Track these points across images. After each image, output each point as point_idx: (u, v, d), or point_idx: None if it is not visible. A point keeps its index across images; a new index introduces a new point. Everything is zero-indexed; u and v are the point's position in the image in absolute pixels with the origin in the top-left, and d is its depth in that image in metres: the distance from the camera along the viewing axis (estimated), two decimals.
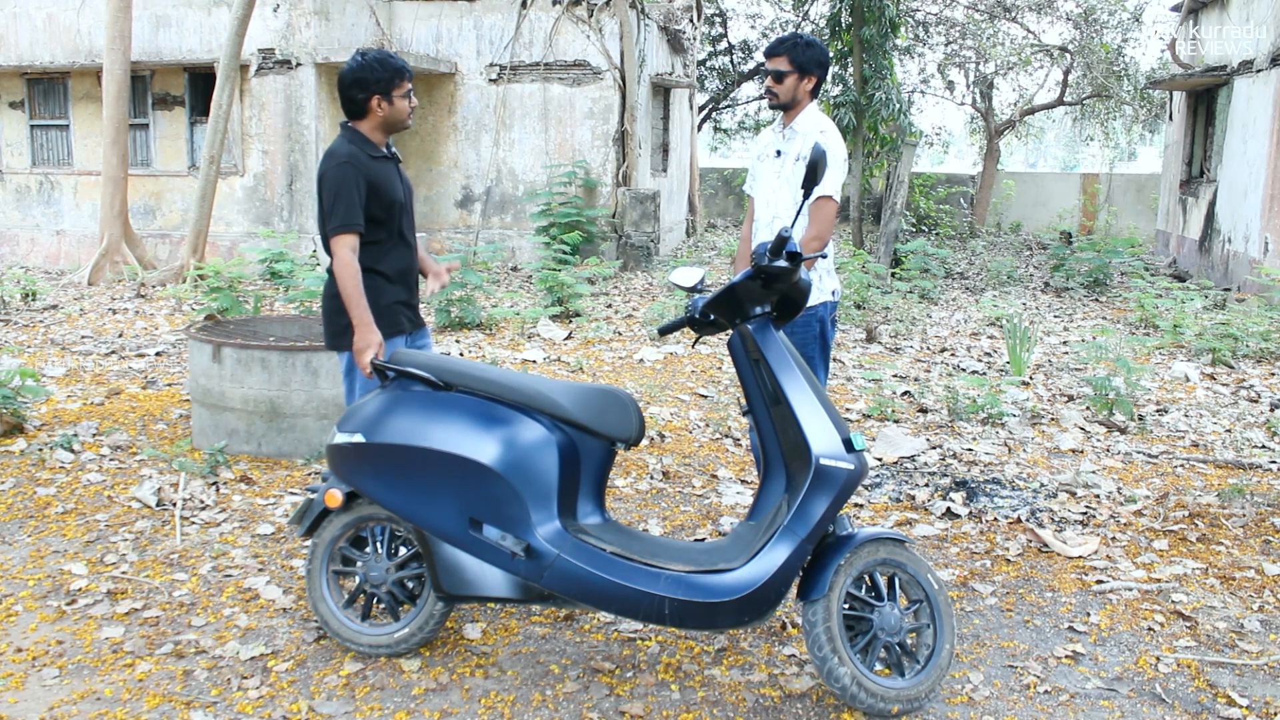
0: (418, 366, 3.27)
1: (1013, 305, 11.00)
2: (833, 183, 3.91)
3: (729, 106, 26.40)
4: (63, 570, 3.94)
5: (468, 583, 3.15)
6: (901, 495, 5.02)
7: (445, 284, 3.98)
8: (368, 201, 3.58)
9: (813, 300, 3.96)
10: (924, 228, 19.83)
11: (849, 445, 2.99)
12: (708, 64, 24.40)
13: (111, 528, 4.39)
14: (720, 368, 7.80)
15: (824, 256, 3.88)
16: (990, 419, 6.35)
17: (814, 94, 4.04)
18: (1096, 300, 12.00)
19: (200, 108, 13.37)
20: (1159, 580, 4.05)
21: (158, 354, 7.97)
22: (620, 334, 9.05)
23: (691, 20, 18.13)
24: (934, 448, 5.82)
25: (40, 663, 3.25)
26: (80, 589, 3.78)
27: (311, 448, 5.31)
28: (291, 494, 4.86)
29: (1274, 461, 5.62)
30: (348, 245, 3.53)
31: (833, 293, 4.07)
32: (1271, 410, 6.77)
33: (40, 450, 5.29)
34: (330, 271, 3.65)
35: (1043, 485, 5.20)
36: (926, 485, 5.17)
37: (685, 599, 2.94)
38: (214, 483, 4.93)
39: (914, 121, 15.58)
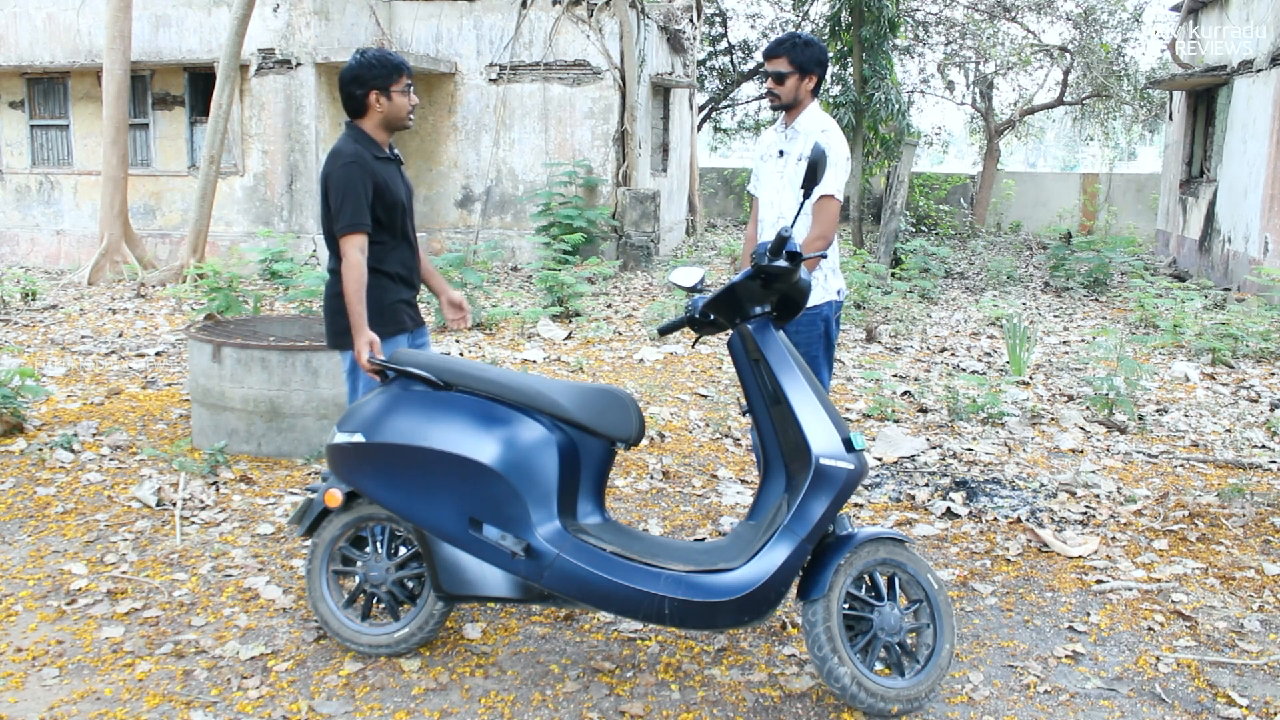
0: (418, 366, 3.27)
1: (1013, 305, 11.00)
2: (835, 182, 3.91)
3: (729, 106, 26.39)
4: (63, 570, 3.94)
5: (468, 583, 3.15)
6: (901, 495, 5.02)
7: (466, 317, 4.01)
8: (372, 202, 3.59)
9: (818, 299, 3.96)
10: (924, 228, 19.83)
11: (849, 445, 2.99)
12: (708, 64, 24.40)
13: (111, 528, 4.39)
14: (720, 368, 7.80)
15: (824, 256, 3.88)
16: (990, 419, 6.35)
17: (815, 93, 4.05)
18: (1096, 300, 12.00)
19: (200, 108, 13.37)
20: (1159, 580, 4.05)
21: (158, 354, 7.97)
22: (620, 334, 9.05)
23: (691, 20, 18.13)
24: (934, 448, 5.82)
25: (40, 663, 3.25)
26: (80, 589, 3.78)
27: (311, 448, 5.31)
28: (291, 494, 4.86)
29: (1274, 461, 5.62)
30: (357, 245, 3.54)
31: (838, 292, 4.07)
32: (1271, 410, 6.77)
33: (40, 450, 5.29)
34: (332, 271, 3.65)
35: (1043, 485, 5.20)
36: (926, 485, 5.17)
37: (685, 599, 2.94)
38: (214, 483, 4.93)
39: (914, 121, 15.58)
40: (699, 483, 5.20)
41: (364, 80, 3.59)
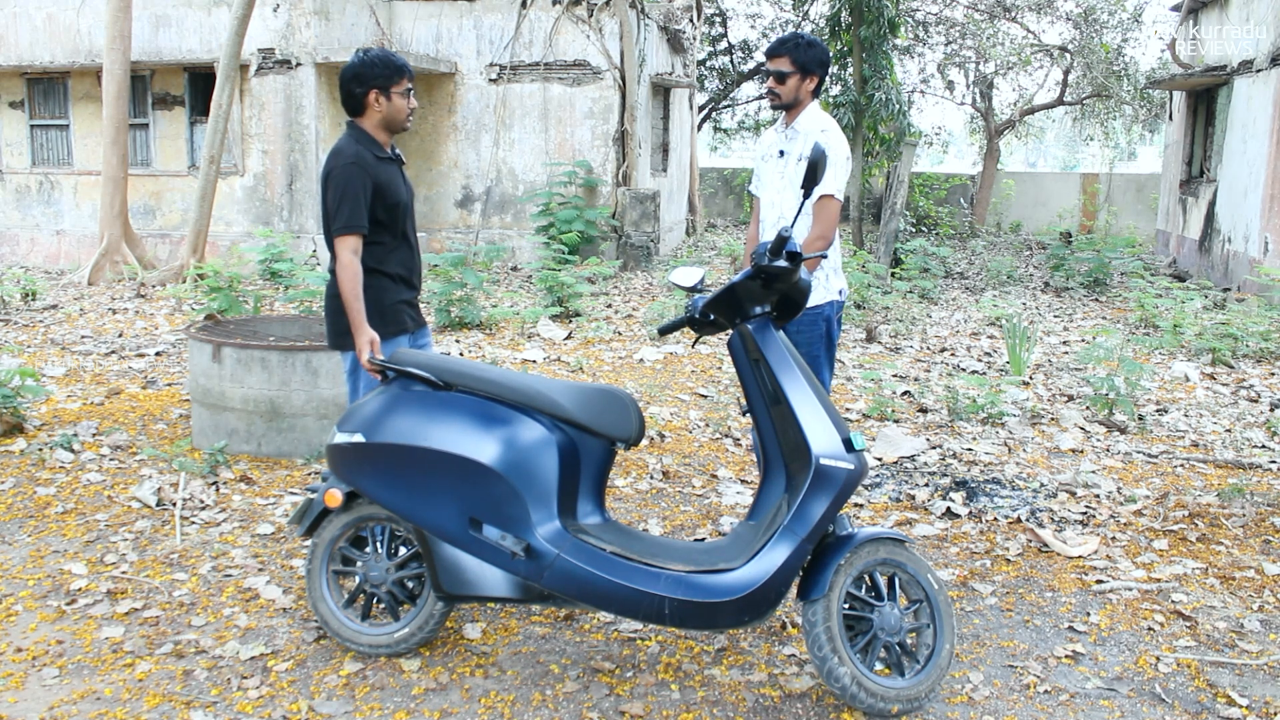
0: (418, 366, 3.27)
1: (1013, 305, 11.00)
2: (835, 181, 3.91)
3: (729, 106, 26.39)
4: (63, 570, 3.94)
5: (468, 583, 3.15)
6: (901, 495, 5.02)
7: None
8: (373, 203, 3.58)
9: (819, 299, 3.96)
10: (924, 228, 19.83)
11: (849, 445, 2.99)
12: (708, 64, 24.40)
13: (111, 528, 4.39)
14: (720, 368, 7.80)
15: (824, 256, 3.88)
16: (990, 419, 6.35)
17: (815, 94, 4.05)
18: (1096, 300, 12.00)
19: (200, 108, 13.37)
20: (1159, 580, 4.05)
21: (158, 354, 7.97)
22: (620, 334, 9.05)
23: (691, 20, 18.13)
24: (934, 448, 5.82)
25: (40, 663, 3.25)
26: (80, 589, 3.78)
27: (311, 448, 5.31)
28: (291, 494, 4.86)
29: (1274, 461, 5.62)
30: (350, 247, 3.54)
31: (839, 292, 4.07)
32: (1271, 410, 6.77)
33: (40, 450, 5.29)
34: (333, 271, 3.65)
35: (1043, 485, 5.20)
36: (926, 485, 5.17)
37: (685, 599, 2.94)
38: (214, 483, 4.93)
39: (914, 121, 15.58)
40: (699, 483, 5.20)
41: (365, 79, 3.59)
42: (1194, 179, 15.52)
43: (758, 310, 3.12)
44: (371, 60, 3.59)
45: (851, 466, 2.96)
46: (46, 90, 13.85)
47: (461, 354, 8.06)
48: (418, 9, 13.85)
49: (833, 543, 3.03)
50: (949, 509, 4.80)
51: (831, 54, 13.37)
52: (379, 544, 3.36)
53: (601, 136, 13.86)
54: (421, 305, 3.98)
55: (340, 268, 3.53)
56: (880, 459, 5.57)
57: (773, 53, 3.99)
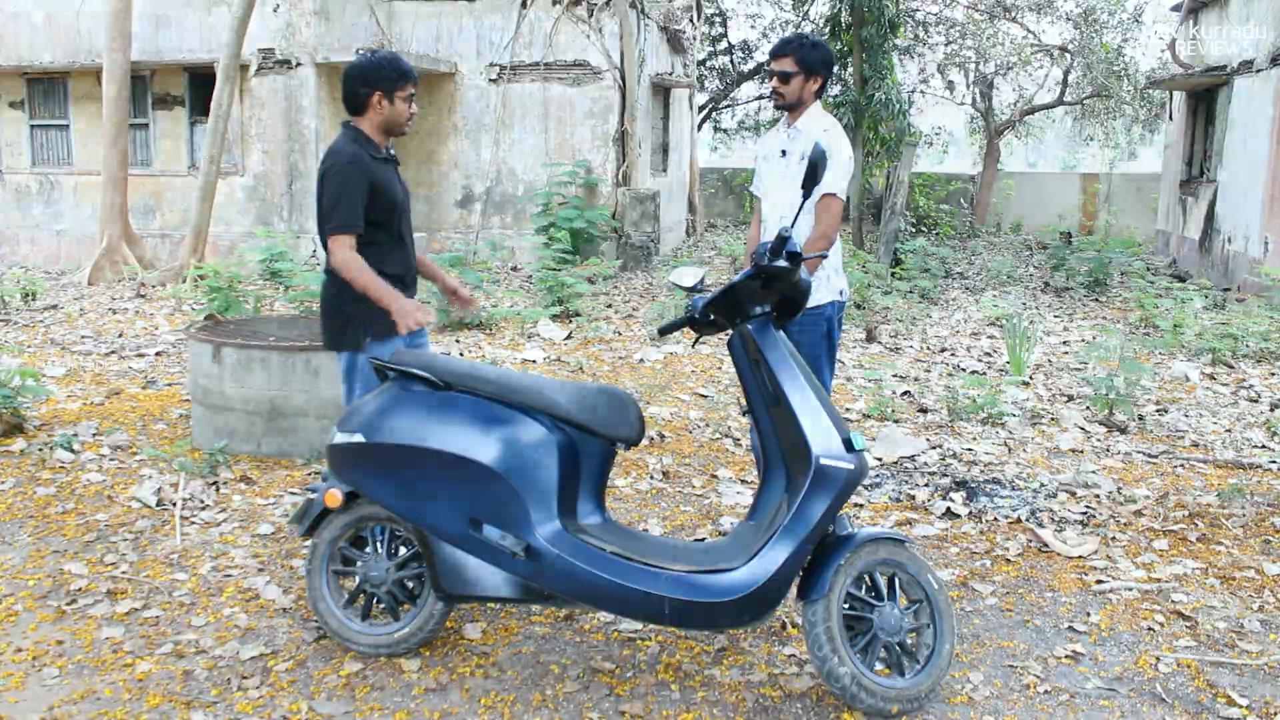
0: (418, 366, 3.27)
1: (1013, 305, 11.00)
2: (838, 180, 3.91)
3: (729, 106, 26.39)
4: (63, 570, 3.94)
5: (468, 583, 3.15)
6: (901, 495, 5.02)
7: (472, 299, 4.09)
8: (369, 204, 3.58)
9: (821, 299, 3.96)
10: (924, 228, 19.82)
11: (849, 445, 2.99)
12: (708, 64, 24.39)
13: (111, 528, 4.38)
14: (720, 368, 7.80)
15: (825, 256, 3.88)
16: (990, 419, 6.35)
17: (819, 94, 4.05)
18: (1096, 300, 12.00)
19: (200, 108, 13.37)
20: (1159, 580, 4.05)
21: (158, 354, 7.97)
22: (620, 334, 9.04)
23: (691, 20, 18.13)
24: (934, 448, 5.81)
25: (40, 663, 3.25)
26: (80, 589, 3.78)
27: (311, 448, 5.31)
28: (291, 494, 4.86)
29: (1274, 461, 5.62)
30: (345, 245, 3.54)
31: (840, 292, 4.07)
32: (1271, 410, 6.77)
33: (40, 450, 5.29)
34: (328, 272, 3.65)
35: (1043, 485, 5.20)
36: (926, 485, 5.17)
37: (685, 599, 2.94)
38: (214, 483, 4.92)
39: (914, 121, 15.59)
40: (699, 483, 5.20)
41: (371, 80, 3.60)
42: (1194, 179, 15.52)
43: (758, 310, 3.12)
44: (380, 62, 3.60)
45: (851, 466, 2.96)
46: (46, 90, 13.85)
47: (461, 354, 8.06)
48: (418, 9, 13.85)
49: (833, 543, 3.03)
50: (949, 509, 4.80)
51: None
52: (379, 544, 3.36)
53: (601, 136, 13.86)
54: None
55: (342, 264, 3.52)
56: (880, 459, 5.57)
57: (777, 53, 3.99)
